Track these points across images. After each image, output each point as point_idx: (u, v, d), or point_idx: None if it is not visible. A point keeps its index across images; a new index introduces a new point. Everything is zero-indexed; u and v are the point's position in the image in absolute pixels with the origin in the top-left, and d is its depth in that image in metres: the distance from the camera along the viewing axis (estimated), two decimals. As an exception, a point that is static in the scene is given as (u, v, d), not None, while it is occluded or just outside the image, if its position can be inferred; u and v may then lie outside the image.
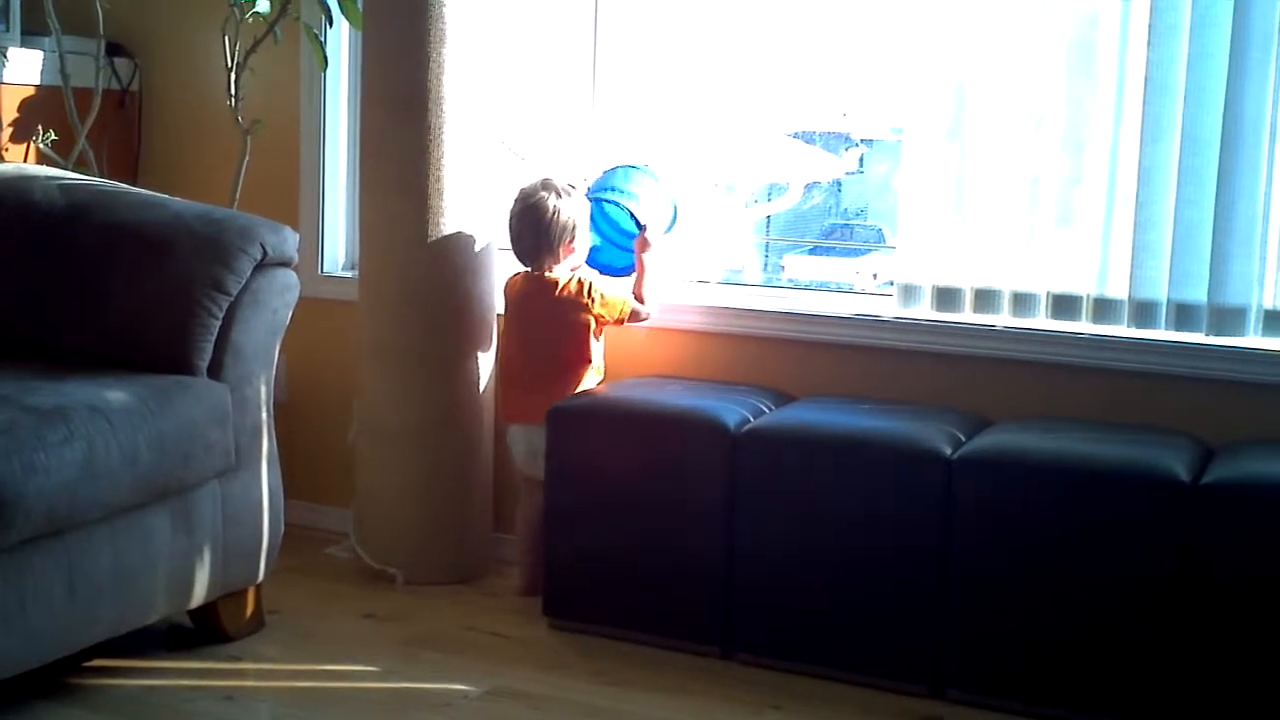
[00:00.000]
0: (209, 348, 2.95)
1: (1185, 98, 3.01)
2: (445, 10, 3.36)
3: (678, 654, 3.10)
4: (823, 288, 3.68)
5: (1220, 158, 2.99)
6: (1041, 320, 3.20)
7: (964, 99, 3.20)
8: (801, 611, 3.01)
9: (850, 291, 3.61)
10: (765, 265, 3.83)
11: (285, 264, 3.09)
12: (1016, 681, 2.85)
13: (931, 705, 2.89)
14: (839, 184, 3.88)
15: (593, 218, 3.41)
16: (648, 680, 2.98)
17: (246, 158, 3.72)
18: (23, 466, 2.48)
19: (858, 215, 3.93)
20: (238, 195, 3.69)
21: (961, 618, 2.88)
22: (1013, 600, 2.84)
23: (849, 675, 2.97)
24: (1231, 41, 2.96)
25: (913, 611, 2.92)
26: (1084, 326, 3.17)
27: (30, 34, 3.80)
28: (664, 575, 3.12)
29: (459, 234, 3.43)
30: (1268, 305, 3.05)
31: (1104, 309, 3.14)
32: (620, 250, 3.46)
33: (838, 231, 3.92)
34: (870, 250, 3.83)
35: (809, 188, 3.85)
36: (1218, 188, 3.00)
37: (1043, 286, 3.19)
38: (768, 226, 3.87)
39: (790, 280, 3.77)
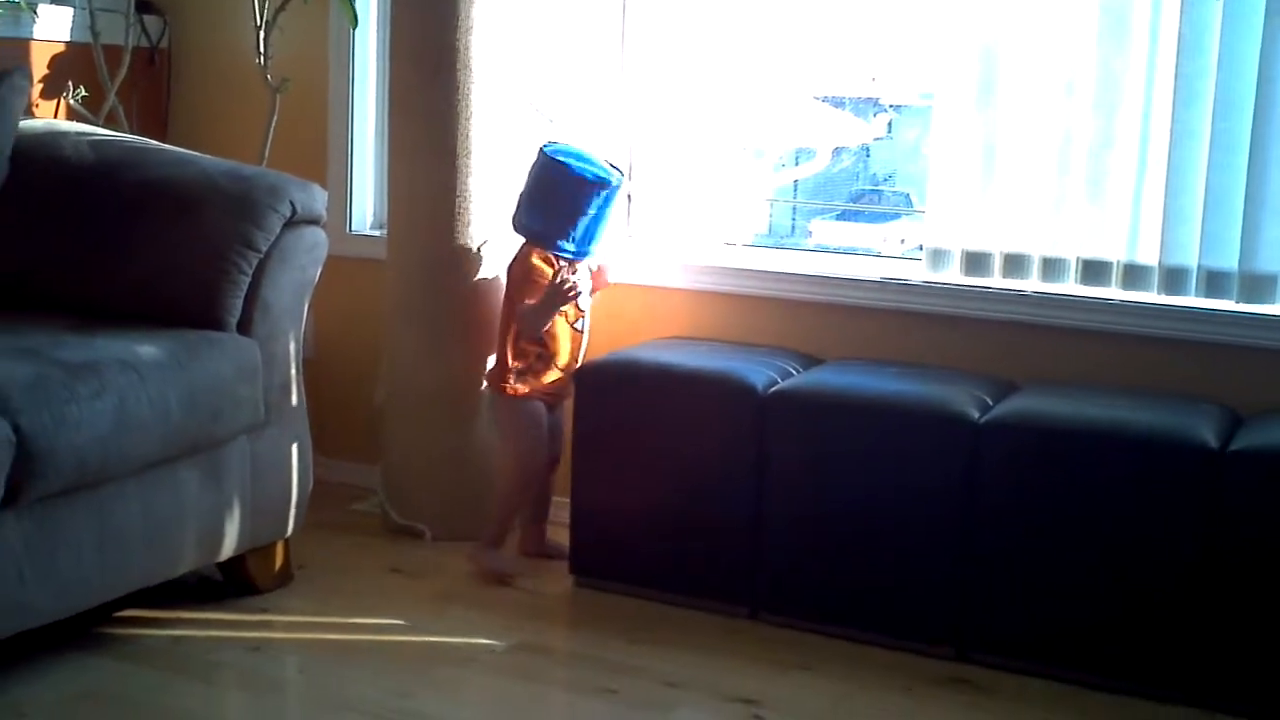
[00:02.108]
0: (238, 304, 2.96)
1: (1219, 61, 2.99)
2: (475, -31, 3.36)
3: (704, 614, 3.11)
4: (850, 253, 3.67)
5: (1253, 123, 2.97)
6: (1071, 286, 3.19)
7: (994, 63, 3.18)
8: (828, 573, 3.02)
9: (879, 255, 3.60)
10: (793, 229, 3.82)
11: (314, 222, 3.09)
12: (1042, 645, 2.85)
13: (956, 667, 2.90)
14: (867, 149, 3.87)
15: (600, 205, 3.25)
16: (674, 639, 2.99)
17: (275, 116, 3.72)
18: (54, 419, 2.50)
19: (886, 180, 3.92)
20: (266, 153, 3.70)
21: (987, 581, 2.89)
22: (1038, 564, 2.84)
23: (875, 637, 2.98)
24: (1266, 4, 2.94)
25: (939, 574, 2.92)
26: (1114, 292, 3.16)
27: (61, -10, 3.81)
28: (691, 535, 3.13)
29: (487, 194, 3.43)
30: (1299, 273, 3.04)
31: (1134, 275, 3.13)
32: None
33: (865, 197, 3.91)
34: (898, 215, 3.82)
35: (837, 152, 3.84)
36: (1250, 154, 2.98)
37: (1072, 252, 3.18)
38: (795, 191, 3.86)
39: (818, 245, 3.77)
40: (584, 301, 3.29)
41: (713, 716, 2.68)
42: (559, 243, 3.22)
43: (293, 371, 3.08)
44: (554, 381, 3.29)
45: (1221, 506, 2.71)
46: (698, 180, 3.56)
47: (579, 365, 3.29)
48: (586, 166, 3.22)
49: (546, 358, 3.27)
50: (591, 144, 3.40)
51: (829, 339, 3.40)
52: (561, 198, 3.23)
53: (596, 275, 3.36)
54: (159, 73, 4.04)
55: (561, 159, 3.22)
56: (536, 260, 3.23)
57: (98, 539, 2.66)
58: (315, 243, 3.10)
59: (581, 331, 3.30)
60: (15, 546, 2.50)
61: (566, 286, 3.17)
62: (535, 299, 3.21)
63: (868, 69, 3.74)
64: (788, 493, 3.04)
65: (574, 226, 3.22)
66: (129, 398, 2.64)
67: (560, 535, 3.35)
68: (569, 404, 3.29)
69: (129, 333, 2.82)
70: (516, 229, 3.31)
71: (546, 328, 3.22)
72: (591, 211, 3.21)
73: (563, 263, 3.24)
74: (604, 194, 3.22)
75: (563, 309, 3.22)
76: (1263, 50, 2.94)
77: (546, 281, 3.20)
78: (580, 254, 3.26)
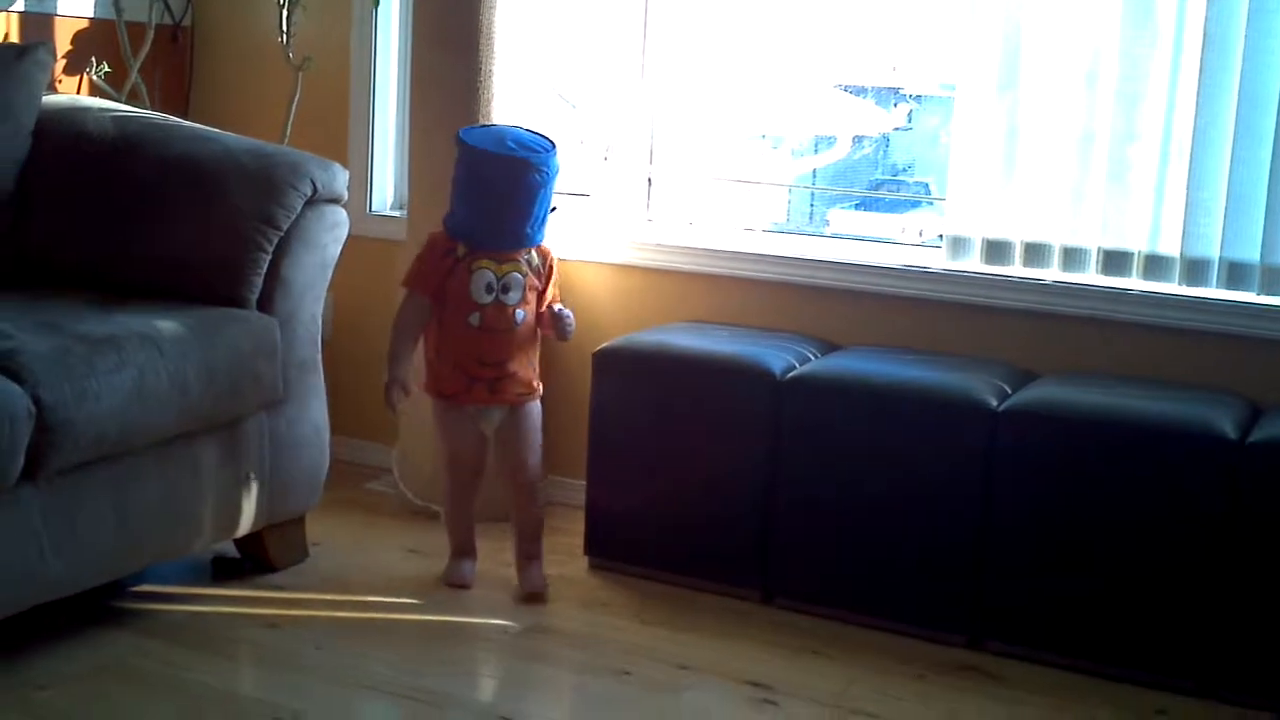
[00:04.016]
0: (259, 281, 2.97)
1: (1244, 53, 2.98)
2: (499, -50, 3.36)
3: (717, 597, 3.12)
4: (870, 241, 3.66)
5: (1278, 115, 2.96)
6: (1091, 276, 3.18)
7: (1016, 52, 3.17)
8: (841, 558, 3.02)
9: (900, 243, 3.59)
10: (811, 218, 3.81)
11: (335, 201, 3.10)
12: (1056, 634, 2.85)
13: (970, 655, 2.90)
14: (887, 138, 3.86)
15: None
16: (687, 622, 3.00)
17: (297, 94, 3.73)
18: (74, 392, 2.51)
19: (905, 170, 3.91)
20: (288, 132, 3.70)
21: (1002, 569, 2.89)
22: (1054, 554, 2.84)
23: (888, 623, 2.98)
24: (1293, -3, 2.93)
25: (953, 562, 2.92)
26: (1134, 283, 3.15)
27: (85, -34, 3.82)
28: (706, 519, 3.13)
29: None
30: (1321, 266, 3.03)
31: (1155, 266, 3.13)
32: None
33: (885, 186, 3.90)
34: (918, 204, 3.81)
35: (857, 141, 3.83)
36: (1274, 146, 2.97)
37: (1094, 242, 3.17)
38: (814, 179, 3.85)
39: (836, 234, 3.76)
40: (479, 294, 2.95)
41: (723, 699, 2.68)
42: (477, 239, 2.98)
43: (312, 349, 3.09)
44: (449, 381, 3.02)
45: (1239, 498, 2.70)
46: (717, 166, 3.56)
47: (492, 368, 3.00)
48: (496, 145, 2.95)
49: (442, 353, 3.04)
50: (522, 122, 3.18)
51: (847, 326, 3.39)
52: (472, 183, 2.98)
53: (550, 319, 3.05)
54: (182, 50, 4.04)
55: (468, 141, 2.97)
56: (427, 244, 3.05)
57: (116, 513, 2.67)
58: (336, 222, 3.10)
59: (480, 329, 2.97)
60: (34, 519, 2.51)
61: (390, 393, 2.99)
62: (410, 270, 3.05)
63: (889, 58, 3.73)
64: (802, 478, 3.04)
65: (482, 213, 2.96)
66: (148, 372, 2.65)
67: (575, 518, 3.35)
68: (581, 403, 3.15)
69: (149, 308, 2.83)
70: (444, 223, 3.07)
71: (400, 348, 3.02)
72: (506, 192, 2.94)
73: (458, 250, 2.98)
74: (529, 175, 2.93)
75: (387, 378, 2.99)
76: (1288, 42, 2.94)
77: (418, 265, 3.02)
78: (489, 245, 2.97)
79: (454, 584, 3.11)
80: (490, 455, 3.12)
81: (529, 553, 3.11)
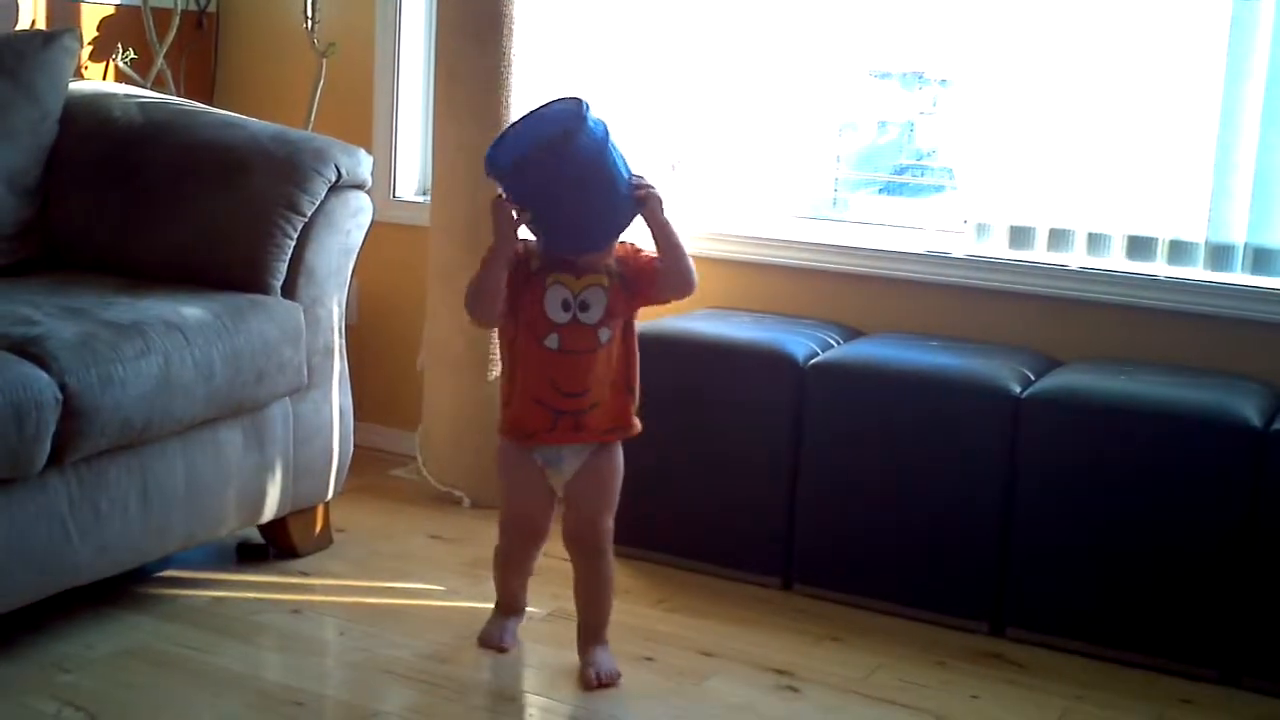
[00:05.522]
0: (283, 267, 2.98)
1: (1271, 37, 2.96)
2: (523, -64, 3.35)
3: (739, 584, 3.12)
4: (894, 227, 3.65)
5: (1305, 100, 2.95)
6: (1116, 261, 3.17)
7: (1040, 36, 3.16)
8: (863, 545, 3.02)
9: (924, 229, 3.58)
10: (834, 203, 3.80)
11: (359, 186, 3.11)
12: (1078, 622, 2.85)
13: (991, 642, 2.90)
14: (911, 123, 3.84)
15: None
16: (708, 608, 3.00)
17: (321, 80, 3.74)
18: (100, 378, 2.52)
19: (929, 155, 3.89)
20: (312, 118, 3.71)
21: (1025, 557, 2.88)
22: (1077, 540, 2.83)
23: (909, 610, 2.98)
24: (1321, -19, 2.91)
25: (976, 548, 2.92)
26: (1159, 268, 3.14)
27: (110, -47, 3.83)
28: (727, 505, 3.14)
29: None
30: (1348, 252, 3.01)
31: (1179, 251, 3.11)
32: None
33: (908, 171, 3.88)
34: (941, 189, 3.80)
35: (881, 126, 3.82)
36: (1301, 131, 2.96)
37: (1118, 227, 3.16)
38: (837, 164, 3.84)
39: (859, 219, 3.74)
40: (555, 313, 2.53)
41: (746, 686, 2.68)
42: (552, 251, 2.55)
43: (336, 336, 3.10)
44: (529, 417, 2.58)
45: (1263, 485, 2.69)
46: (740, 151, 3.56)
47: (575, 398, 2.56)
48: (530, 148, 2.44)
49: (520, 384, 2.60)
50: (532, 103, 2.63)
51: (871, 311, 3.39)
52: (532, 199, 2.51)
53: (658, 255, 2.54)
54: (207, 36, 4.06)
55: (501, 164, 2.48)
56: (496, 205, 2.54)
57: (141, 498, 2.69)
58: (360, 207, 3.11)
59: (559, 352, 2.54)
60: (61, 505, 2.53)
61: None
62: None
63: (914, 42, 3.71)
64: (825, 464, 3.04)
65: (555, 224, 2.51)
66: (174, 358, 2.66)
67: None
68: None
69: (175, 294, 2.84)
70: None
71: (486, 303, 2.55)
72: (570, 190, 2.46)
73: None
74: (581, 154, 2.42)
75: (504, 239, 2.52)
76: (1316, 26, 2.92)
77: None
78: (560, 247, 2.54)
79: (490, 646, 2.77)
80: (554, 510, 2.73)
81: (598, 634, 2.70)
